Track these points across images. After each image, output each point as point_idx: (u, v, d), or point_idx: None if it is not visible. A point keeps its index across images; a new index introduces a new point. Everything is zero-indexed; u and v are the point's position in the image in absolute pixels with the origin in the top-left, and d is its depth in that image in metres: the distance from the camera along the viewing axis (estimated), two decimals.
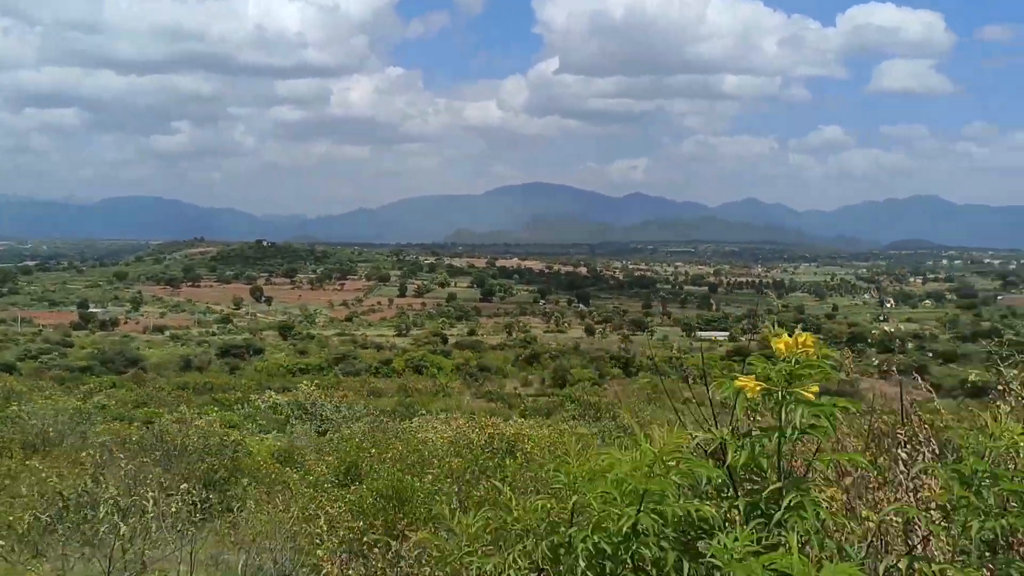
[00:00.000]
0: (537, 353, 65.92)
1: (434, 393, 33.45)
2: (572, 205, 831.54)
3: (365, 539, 5.22)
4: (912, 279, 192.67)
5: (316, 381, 22.34)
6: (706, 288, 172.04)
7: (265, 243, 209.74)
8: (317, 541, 5.59)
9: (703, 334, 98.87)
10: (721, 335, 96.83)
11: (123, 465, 6.47)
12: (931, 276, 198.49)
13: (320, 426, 15.26)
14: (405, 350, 61.02)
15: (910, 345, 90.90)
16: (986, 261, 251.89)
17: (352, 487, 7.24)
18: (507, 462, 8.14)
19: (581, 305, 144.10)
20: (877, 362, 4.49)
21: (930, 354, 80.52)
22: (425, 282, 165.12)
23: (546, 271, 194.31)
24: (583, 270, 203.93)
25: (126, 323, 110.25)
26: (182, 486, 5.97)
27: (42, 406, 12.55)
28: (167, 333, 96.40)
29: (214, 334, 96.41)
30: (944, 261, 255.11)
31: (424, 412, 20.37)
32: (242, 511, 7.35)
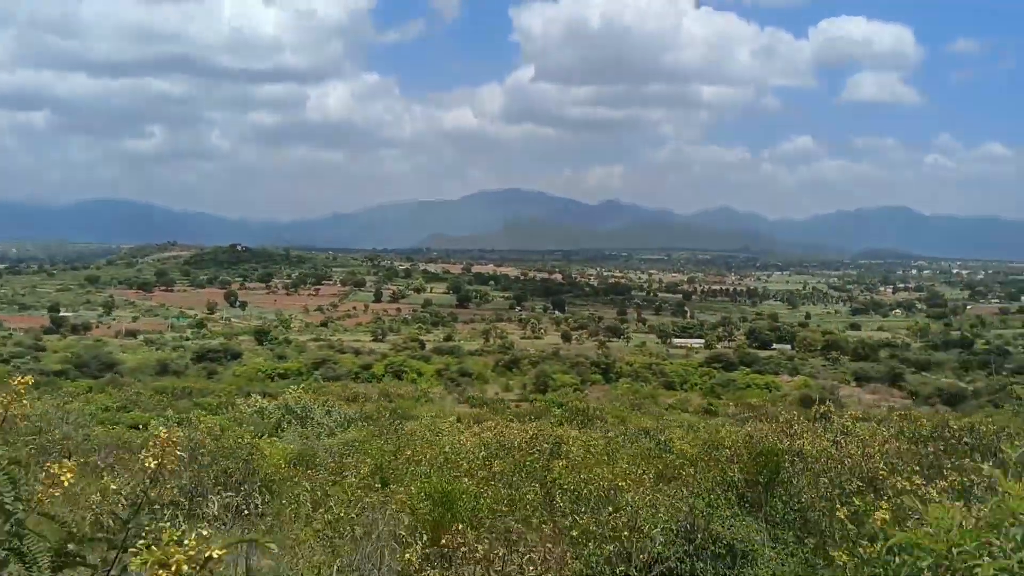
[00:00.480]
0: (517, 359, 66.04)
1: (415, 398, 33.41)
2: (547, 211, 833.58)
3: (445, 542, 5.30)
4: (882, 288, 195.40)
5: (302, 386, 22.28)
6: (680, 296, 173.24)
7: (239, 247, 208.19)
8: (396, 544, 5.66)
9: (679, 341, 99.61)
10: (697, 342, 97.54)
11: (171, 469, 6.54)
12: (901, 286, 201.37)
13: (316, 430, 15.27)
14: (384, 355, 60.74)
15: (883, 354, 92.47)
16: (954, 271, 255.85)
17: (383, 490, 7.33)
18: (554, 464, 8.28)
19: (556, 311, 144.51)
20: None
21: (903, 363, 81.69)
22: (401, 288, 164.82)
23: (521, 277, 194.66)
24: (558, 276, 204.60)
25: (98, 327, 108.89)
26: (222, 493, 6.04)
27: (41, 410, 12.48)
28: (140, 337, 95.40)
29: (187, 339, 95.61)
30: (913, 271, 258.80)
31: (418, 416, 20.43)
32: (266, 514, 7.40)
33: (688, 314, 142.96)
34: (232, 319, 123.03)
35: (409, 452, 8.84)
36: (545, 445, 9.43)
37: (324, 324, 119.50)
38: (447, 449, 8.94)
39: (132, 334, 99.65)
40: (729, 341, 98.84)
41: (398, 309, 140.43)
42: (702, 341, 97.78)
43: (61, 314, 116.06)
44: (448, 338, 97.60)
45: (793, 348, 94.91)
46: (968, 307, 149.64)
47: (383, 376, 37.59)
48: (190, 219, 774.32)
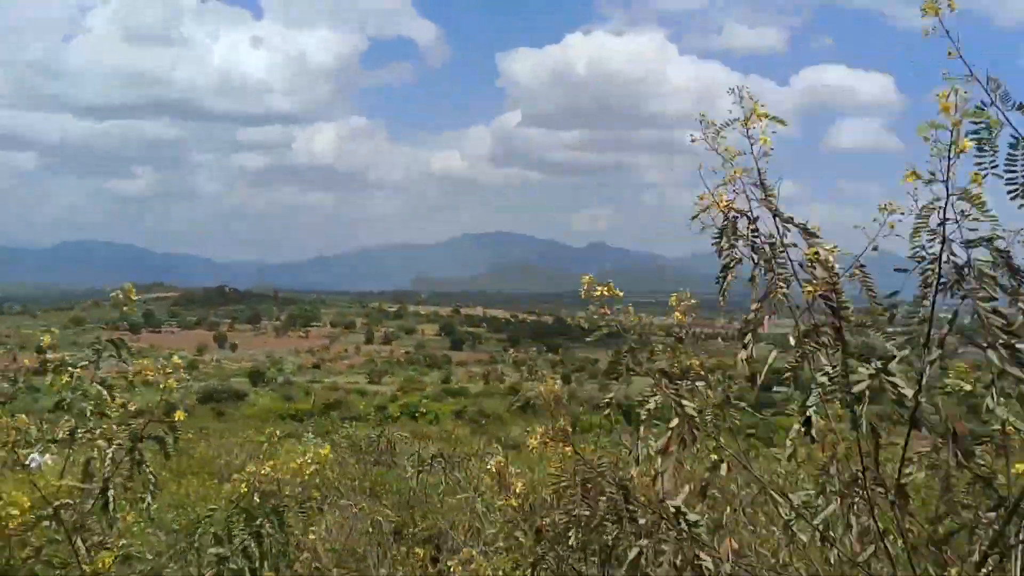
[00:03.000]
0: (531, 400, 64.51)
1: (442, 439, 32.02)
2: (534, 254, 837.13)
3: None
4: (873, 332, 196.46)
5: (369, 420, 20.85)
6: (672, 339, 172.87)
7: (228, 289, 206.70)
8: None
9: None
10: (699, 383, 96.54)
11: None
12: (890, 330, 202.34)
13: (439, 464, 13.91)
14: (395, 397, 59.45)
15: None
16: (941, 315, 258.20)
17: None
18: None
19: (550, 354, 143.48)
20: None
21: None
22: (392, 329, 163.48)
23: (512, 320, 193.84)
24: (548, 319, 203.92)
25: (86, 369, 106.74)
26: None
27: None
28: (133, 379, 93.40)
29: (188, 380, 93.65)
30: (900, 316, 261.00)
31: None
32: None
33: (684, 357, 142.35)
34: (223, 361, 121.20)
35: None
36: None
37: (317, 366, 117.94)
38: None
39: (123, 375, 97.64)
40: (731, 383, 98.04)
41: (391, 351, 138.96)
42: (703, 383, 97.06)
43: (48, 356, 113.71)
44: (446, 380, 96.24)
45: (794, 389, 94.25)
46: (960, 350, 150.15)
47: (399, 417, 36.31)
48: (175, 261, 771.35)
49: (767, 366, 3.19)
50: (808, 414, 2.88)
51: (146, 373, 4.36)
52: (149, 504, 3.91)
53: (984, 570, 2.61)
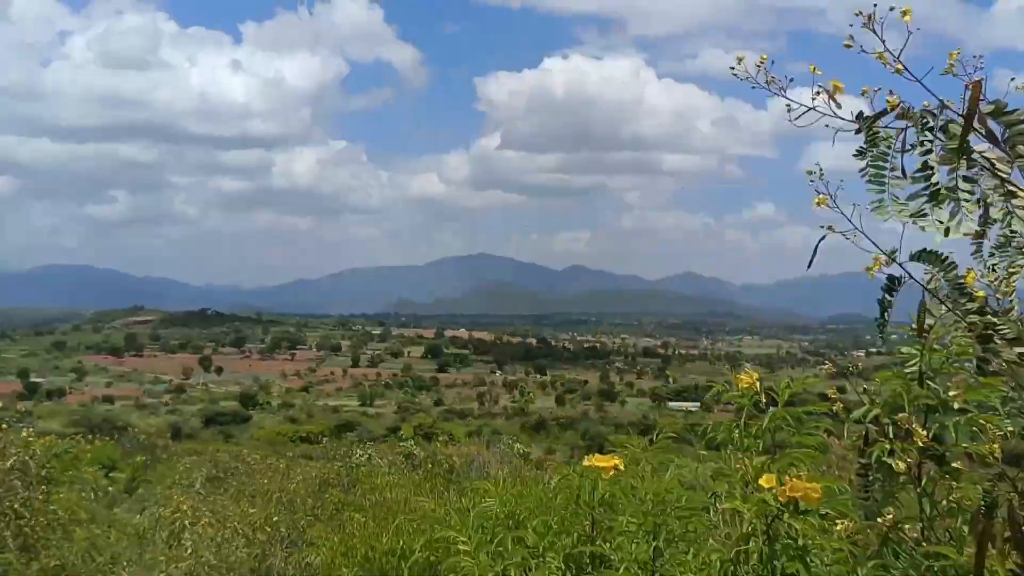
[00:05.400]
0: (543, 420, 64.80)
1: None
2: (515, 276, 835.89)
3: None
4: (856, 353, 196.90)
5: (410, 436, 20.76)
6: (659, 360, 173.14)
7: (210, 312, 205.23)
8: None
9: (674, 405, 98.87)
10: (693, 405, 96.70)
11: None
12: (872, 350, 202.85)
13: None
14: (404, 418, 59.48)
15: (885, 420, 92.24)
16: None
17: None
18: None
19: (537, 375, 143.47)
20: None
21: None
22: (378, 352, 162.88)
23: (498, 341, 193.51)
24: (533, 341, 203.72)
25: (71, 393, 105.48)
26: None
27: None
28: (118, 404, 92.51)
29: (166, 404, 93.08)
30: (880, 336, 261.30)
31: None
32: None
33: (671, 378, 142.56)
34: (210, 385, 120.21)
35: None
36: None
37: (305, 389, 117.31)
38: None
39: (108, 399, 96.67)
40: (727, 404, 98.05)
41: (378, 374, 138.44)
42: (697, 404, 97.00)
43: (31, 380, 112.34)
44: (438, 402, 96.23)
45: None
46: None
47: (413, 438, 36.15)
48: (153, 284, 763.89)
49: None
50: None
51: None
52: None
53: None
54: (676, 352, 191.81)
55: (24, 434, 9.32)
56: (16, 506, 7.24)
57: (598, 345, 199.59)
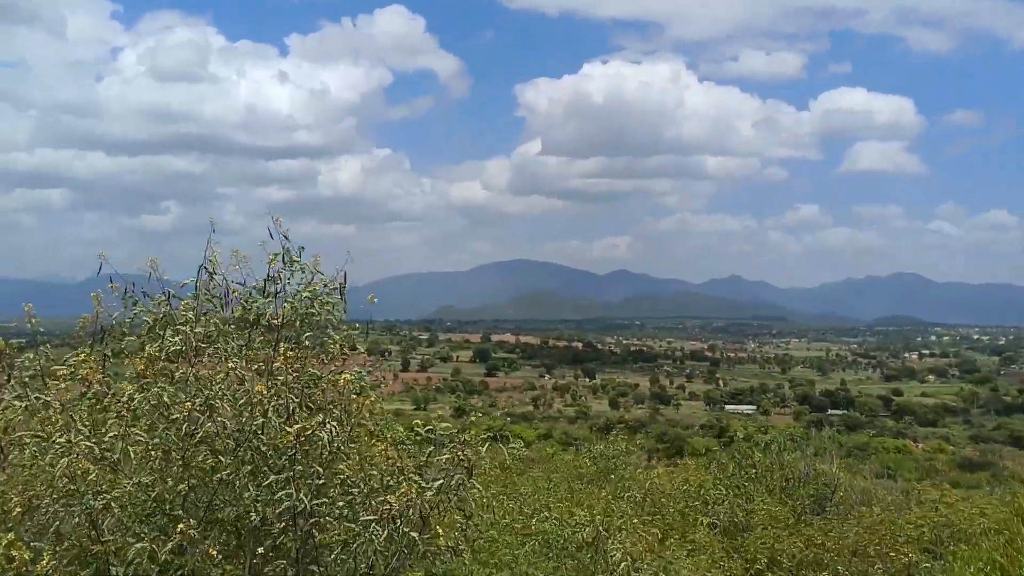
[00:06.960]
0: (611, 423, 65.32)
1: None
2: (556, 282, 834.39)
3: None
4: (907, 355, 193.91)
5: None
6: (707, 363, 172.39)
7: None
8: None
9: (730, 408, 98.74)
10: (748, 409, 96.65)
11: None
12: (926, 352, 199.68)
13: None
14: (472, 421, 60.31)
15: (949, 419, 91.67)
16: (975, 337, 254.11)
17: None
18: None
19: (587, 379, 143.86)
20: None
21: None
22: (427, 356, 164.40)
23: (544, 345, 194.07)
24: (579, 344, 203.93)
25: None
26: None
27: None
28: None
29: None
30: (932, 337, 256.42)
31: None
32: None
33: (721, 381, 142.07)
34: None
35: None
36: None
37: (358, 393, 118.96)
38: None
39: None
40: (784, 407, 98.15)
41: (428, 378, 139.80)
42: (753, 407, 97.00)
43: None
44: (492, 405, 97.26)
45: (852, 412, 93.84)
46: (1001, 372, 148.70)
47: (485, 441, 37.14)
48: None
49: None
50: None
51: None
52: None
53: None
54: (724, 355, 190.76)
55: None
56: None
57: (645, 349, 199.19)
